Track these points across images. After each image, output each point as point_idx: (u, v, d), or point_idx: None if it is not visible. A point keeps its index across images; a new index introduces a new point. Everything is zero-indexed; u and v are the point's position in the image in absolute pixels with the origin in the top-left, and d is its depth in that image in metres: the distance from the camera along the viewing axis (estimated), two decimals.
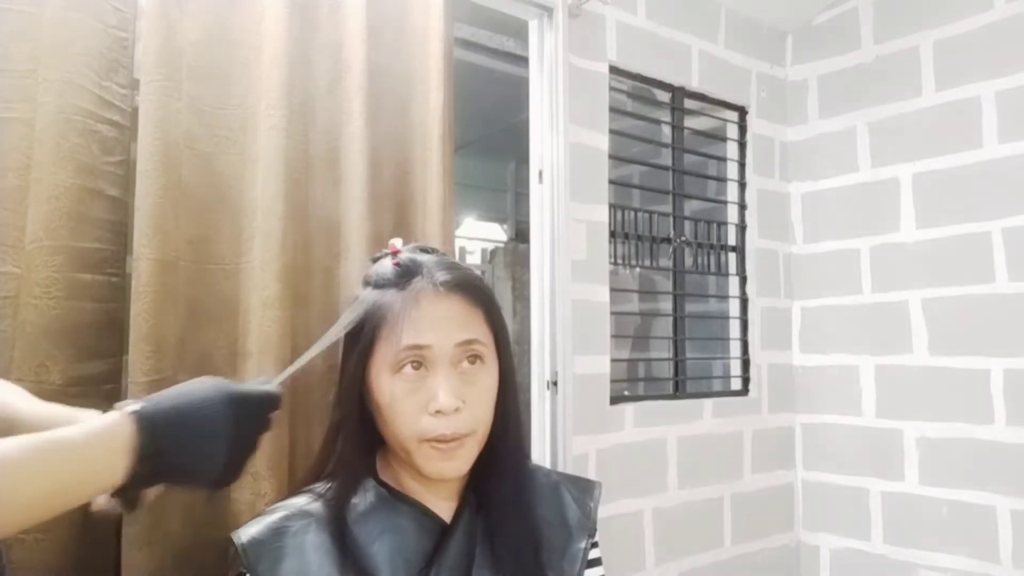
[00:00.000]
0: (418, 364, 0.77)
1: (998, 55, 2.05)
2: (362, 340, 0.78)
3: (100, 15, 1.13)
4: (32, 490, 0.57)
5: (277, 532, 0.76)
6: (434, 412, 0.76)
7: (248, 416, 0.69)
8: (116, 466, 0.61)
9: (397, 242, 0.85)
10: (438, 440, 0.76)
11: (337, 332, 0.80)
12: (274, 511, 0.79)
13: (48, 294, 1.04)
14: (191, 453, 0.65)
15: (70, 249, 1.07)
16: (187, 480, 0.67)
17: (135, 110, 1.16)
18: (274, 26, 1.24)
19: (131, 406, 0.64)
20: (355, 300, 0.83)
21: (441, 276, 0.79)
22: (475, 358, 0.79)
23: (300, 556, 0.75)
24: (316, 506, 0.79)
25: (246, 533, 0.76)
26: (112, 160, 1.14)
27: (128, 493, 0.65)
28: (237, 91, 1.24)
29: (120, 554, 1.07)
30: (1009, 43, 2.03)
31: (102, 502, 0.73)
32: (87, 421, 0.63)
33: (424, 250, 0.86)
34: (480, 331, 0.80)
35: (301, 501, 0.80)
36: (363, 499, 0.80)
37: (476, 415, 0.78)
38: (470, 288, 0.81)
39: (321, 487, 0.81)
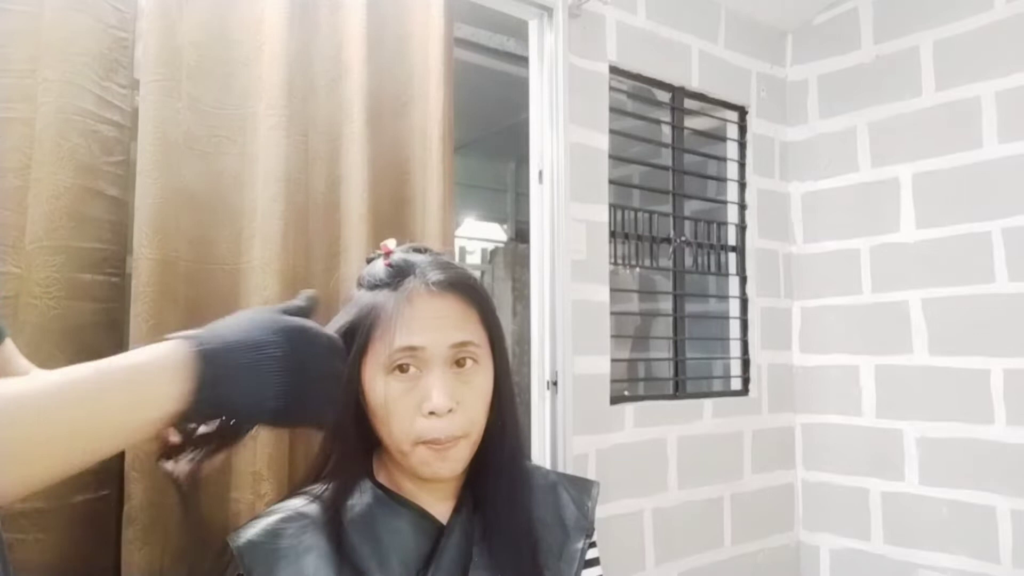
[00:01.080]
0: (412, 365, 0.77)
1: (998, 55, 2.05)
2: (356, 342, 0.78)
3: (100, 15, 1.13)
4: (98, 417, 0.56)
5: (273, 534, 0.76)
6: (428, 413, 0.75)
7: (304, 346, 0.66)
8: (171, 393, 0.58)
9: (390, 243, 0.85)
10: (432, 442, 0.76)
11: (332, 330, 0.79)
12: (271, 513, 0.79)
13: (48, 294, 1.05)
14: (249, 383, 0.62)
15: (70, 249, 1.07)
16: (244, 410, 0.63)
17: (135, 110, 1.16)
18: (274, 26, 1.25)
19: (182, 333, 0.62)
20: (349, 301, 0.83)
21: (434, 276, 0.79)
22: (470, 359, 0.79)
23: (296, 558, 0.75)
24: (313, 508, 0.79)
25: (242, 536, 0.76)
26: (112, 160, 1.14)
27: (186, 423, 0.62)
28: (237, 91, 1.24)
29: (120, 554, 1.07)
30: (1009, 43, 2.03)
31: (170, 467, 0.71)
32: (146, 347, 0.60)
33: (417, 250, 0.86)
34: (474, 332, 0.80)
35: (298, 503, 0.80)
36: (359, 501, 0.80)
37: (470, 416, 0.78)
38: (464, 288, 0.81)
39: (318, 489, 0.81)
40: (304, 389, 0.65)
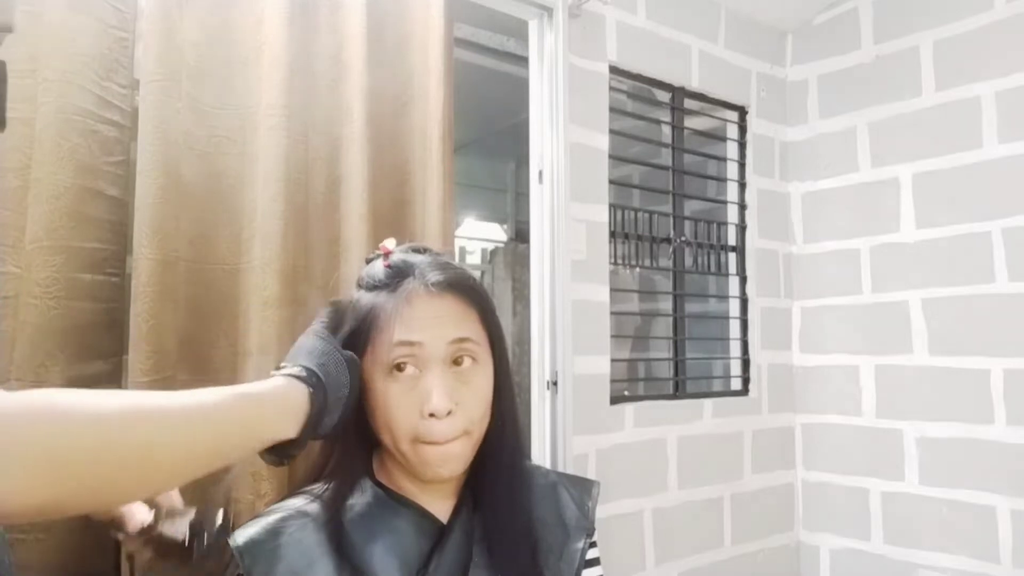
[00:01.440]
0: (411, 364, 0.77)
1: (998, 55, 2.05)
2: (356, 341, 0.78)
3: (100, 15, 1.13)
4: (224, 431, 0.63)
5: (273, 534, 0.76)
6: (427, 415, 0.75)
7: (357, 380, 0.76)
8: (291, 423, 0.68)
9: (389, 243, 0.85)
10: (432, 443, 0.76)
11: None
12: (271, 512, 0.79)
13: (48, 294, 1.05)
14: (335, 415, 0.72)
15: (70, 249, 1.07)
16: (325, 434, 0.73)
17: (135, 110, 1.17)
18: (274, 26, 1.25)
19: (296, 371, 0.70)
20: (349, 301, 0.83)
21: (433, 276, 0.79)
22: (469, 358, 0.79)
23: (296, 558, 0.75)
24: (313, 507, 0.79)
25: (242, 535, 0.76)
26: (112, 160, 1.14)
27: (289, 451, 0.70)
28: (237, 91, 1.24)
29: (120, 554, 1.07)
30: (1009, 43, 2.03)
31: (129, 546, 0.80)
32: (263, 381, 0.68)
33: (417, 250, 0.86)
34: (473, 330, 0.80)
35: (298, 502, 0.80)
36: (360, 500, 0.80)
37: (470, 416, 0.78)
38: (463, 288, 0.80)
39: (318, 488, 0.81)
40: (348, 415, 0.76)
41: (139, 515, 0.80)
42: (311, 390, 0.69)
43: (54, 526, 1.02)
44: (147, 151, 1.13)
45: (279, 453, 0.70)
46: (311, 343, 0.75)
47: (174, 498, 0.84)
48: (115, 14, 1.15)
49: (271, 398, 0.67)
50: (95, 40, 1.12)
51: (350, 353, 0.76)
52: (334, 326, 0.79)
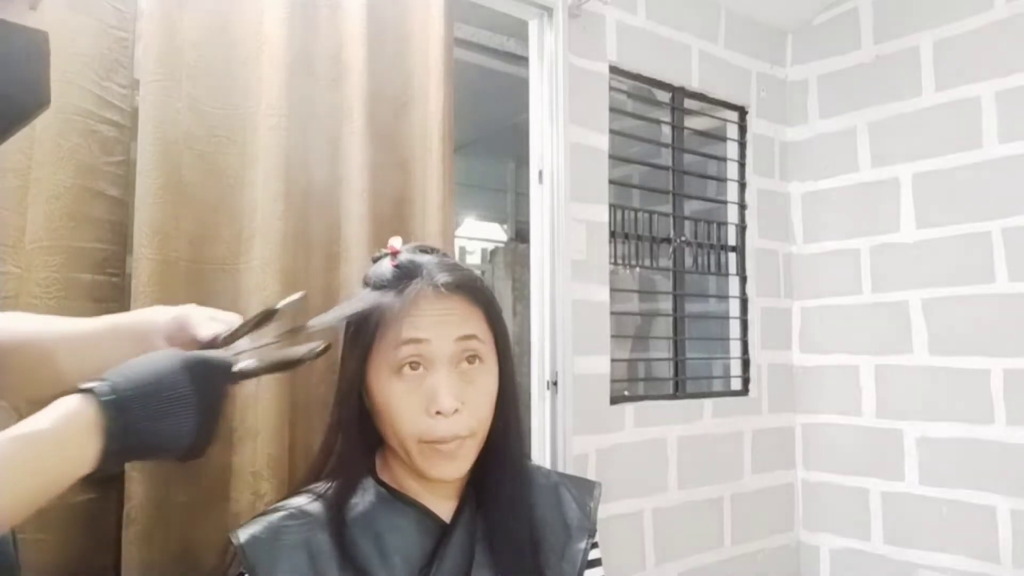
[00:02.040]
0: (417, 364, 0.77)
1: (998, 55, 2.05)
2: (361, 340, 0.78)
3: (100, 15, 1.13)
4: (11, 490, 0.56)
5: (276, 532, 0.76)
6: (434, 413, 0.76)
7: (208, 381, 0.67)
8: (85, 454, 0.59)
9: (396, 242, 0.85)
10: (438, 442, 0.76)
11: (331, 320, 0.79)
12: (273, 511, 0.79)
13: (48, 294, 1.05)
14: (158, 426, 0.62)
15: (70, 249, 1.07)
16: (158, 453, 0.64)
17: (135, 110, 1.16)
18: (274, 26, 1.25)
19: (89, 384, 0.61)
20: (356, 300, 0.83)
21: (441, 278, 0.79)
22: (475, 358, 0.79)
23: (299, 556, 0.75)
24: (315, 506, 0.79)
25: (245, 533, 0.76)
26: (112, 160, 1.14)
27: (100, 474, 0.62)
28: (237, 91, 1.24)
29: (120, 554, 1.07)
30: (1009, 43, 2.03)
31: None
32: (47, 410, 0.59)
33: (424, 250, 0.86)
34: (479, 329, 0.80)
35: (301, 501, 0.80)
36: (362, 499, 0.80)
37: (476, 416, 0.78)
38: (470, 289, 0.81)
39: (321, 487, 0.81)
40: (212, 423, 0.66)
41: (213, 328, 0.74)
42: (104, 407, 0.59)
43: (54, 526, 1.02)
44: (147, 151, 1.13)
45: (94, 478, 0.62)
46: (138, 358, 0.66)
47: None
48: (115, 14, 1.15)
49: (57, 433, 0.58)
50: (95, 40, 1.12)
51: (201, 354, 0.68)
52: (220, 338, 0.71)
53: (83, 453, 0.59)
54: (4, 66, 0.61)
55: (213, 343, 0.73)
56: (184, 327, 0.75)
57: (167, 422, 0.62)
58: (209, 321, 0.75)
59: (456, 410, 0.76)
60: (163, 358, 0.65)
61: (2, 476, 0.55)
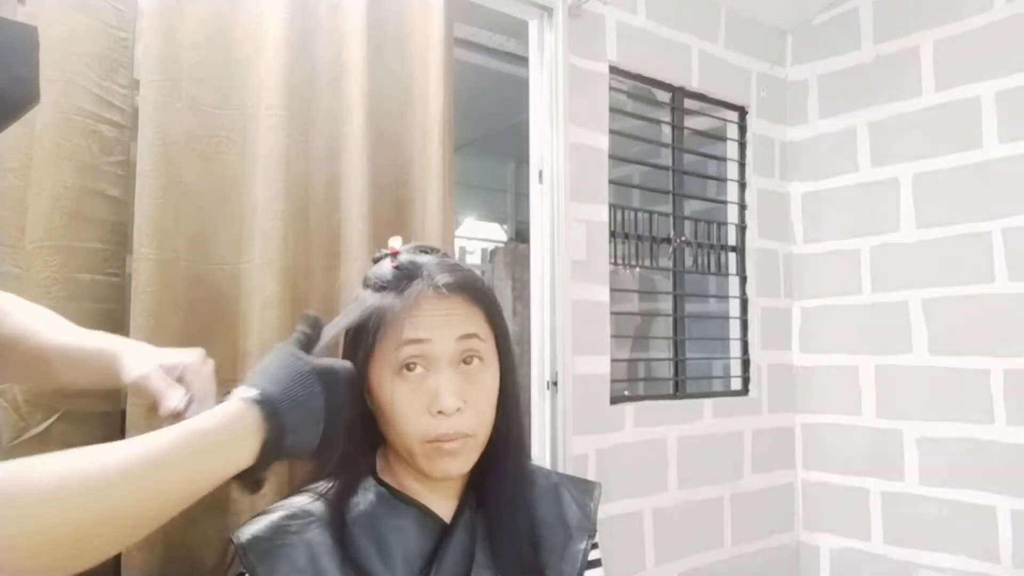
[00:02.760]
0: (419, 364, 0.77)
1: (998, 55, 2.05)
2: (363, 341, 0.78)
3: (100, 15, 1.13)
4: (177, 481, 0.61)
5: (277, 531, 0.76)
6: (436, 413, 0.76)
7: (335, 387, 0.72)
8: (246, 452, 0.65)
9: (396, 242, 0.85)
10: (440, 439, 0.76)
11: (334, 331, 0.79)
12: (274, 510, 0.79)
13: (48, 294, 1.05)
14: (304, 431, 0.69)
15: (70, 249, 1.07)
16: (300, 456, 0.71)
17: (135, 110, 1.16)
18: (274, 26, 1.25)
19: (250, 393, 0.67)
20: (355, 300, 0.83)
21: (442, 278, 0.79)
22: (476, 357, 0.79)
23: (300, 556, 0.75)
24: (316, 505, 0.79)
25: (246, 532, 0.76)
26: (112, 160, 1.14)
27: (253, 475, 0.68)
28: (237, 91, 1.24)
29: (120, 554, 1.07)
30: (1009, 43, 2.03)
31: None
32: (212, 412, 0.65)
33: (424, 250, 0.86)
34: (481, 329, 0.80)
35: (301, 500, 0.80)
36: (363, 499, 0.80)
37: (478, 415, 0.79)
38: (471, 289, 0.81)
39: (321, 487, 0.81)
40: (336, 428, 0.72)
41: (171, 400, 0.77)
42: (264, 412, 0.66)
43: None
44: (147, 151, 1.13)
45: (247, 479, 0.68)
46: (270, 360, 0.72)
47: (205, 383, 0.82)
48: (115, 14, 1.15)
49: (223, 431, 0.64)
50: (95, 40, 1.12)
51: (328, 363, 0.72)
52: (306, 339, 0.75)
53: (242, 454, 0.65)
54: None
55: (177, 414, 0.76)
56: (149, 389, 0.79)
57: (307, 424, 0.69)
58: (171, 389, 0.78)
59: (458, 409, 0.76)
60: (298, 367, 0.71)
61: (176, 466, 0.61)
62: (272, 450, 0.66)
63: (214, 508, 1.15)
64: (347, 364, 0.75)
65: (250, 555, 0.74)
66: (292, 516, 0.78)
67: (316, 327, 0.77)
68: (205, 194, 1.21)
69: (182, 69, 1.19)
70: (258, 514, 0.80)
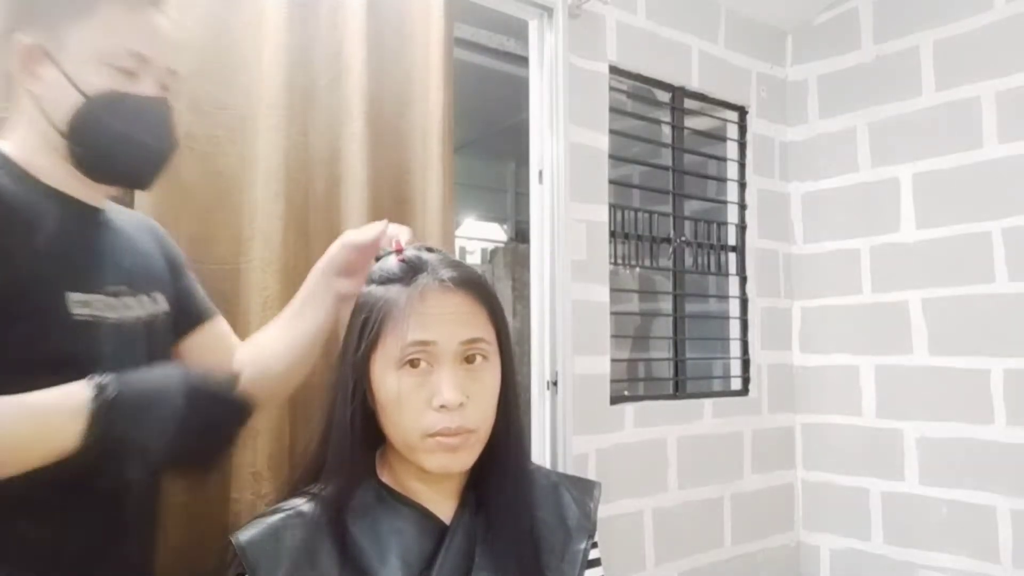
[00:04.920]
0: (423, 360, 0.77)
1: (998, 55, 2.05)
2: (366, 336, 0.78)
3: None
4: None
5: (277, 533, 0.76)
6: (438, 407, 0.76)
7: (210, 412, 0.74)
8: (69, 431, 0.66)
9: (402, 234, 0.87)
10: (442, 434, 0.76)
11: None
12: (273, 512, 0.79)
13: None
14: (146, 434, 0.69)
15: None
16: (145, 461, 0.71)
17: None
18: (274, 26, 1.24)
19: (97, 378, 0.68)
20: (360, 296, 0.83)
21: (447, 273, 0.80)
22: (479, 355, 0.79)
23: (299, 557, 0.75)
24: (315, 507, 0.79)
25: (245, 535, 0.76)
26: None
27: (84, 459, 0.67)
28: (237, 91, 1.24)
29: None
30: (1009, 43, 2.03)
31: None
32: (56, 388, 0.68)
33: (428, 249, 0.87)
34: (484, 329, 0.80)
35: (301, 502, 0.80)
36: (363, 500, 0.80)
37: (480, 411, 0.78)
38: (475, 286, 0.81)
39: (321, 488, 0.81)
40: (194, 443, 0.73)
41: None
42: (96, 399, 0.67)
43: None
44: None
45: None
46: (161, 369, 0.75)
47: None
48: None
49: (51, 408, 0.66)
50: None
51: (212, 381, 0.76)
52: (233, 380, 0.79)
53: (69, 430, 0.66)
54: (141, 128, 0.81)
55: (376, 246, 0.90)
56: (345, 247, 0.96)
57: (153, 426, 0.69)
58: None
59: (461, 404, 0.76)
60: (172, 373, 0.73)
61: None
62: (94, 438, 0.67)
63: (214, 509, 1.15)
64: (240, 400, 0.78)
65: (250, 557, 0.74)
66: (291, 518, 0.78)
67: (229, 383, 0.80)
68: (205, 194, 1.21)
69: (182, 69, 1.19)
70: (258, 515, 0.80)
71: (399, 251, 0.84)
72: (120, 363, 0.74)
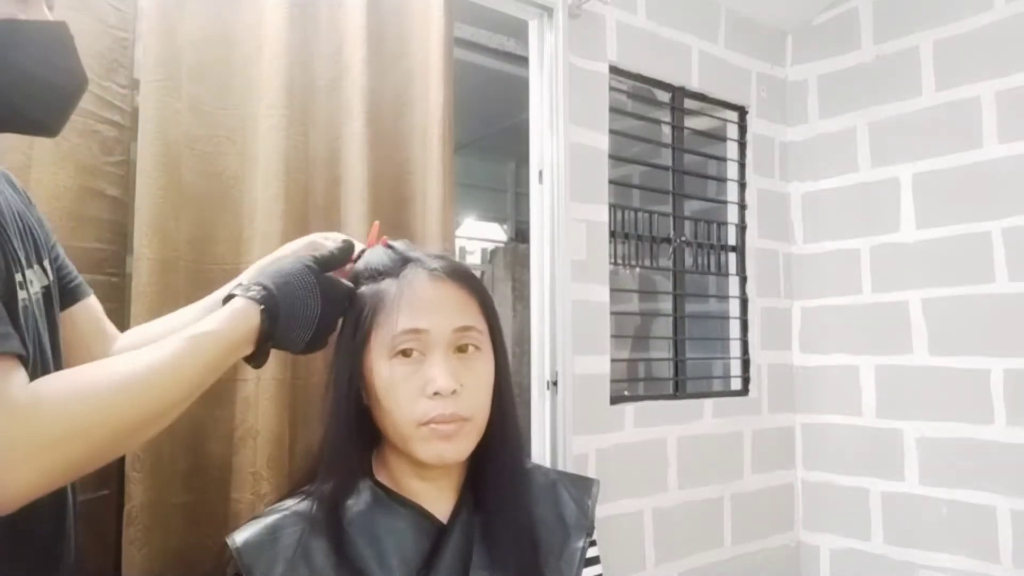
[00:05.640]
0: (415, 349, 0.77)
1: (998, 55, 2.05)
2: (359, 327, 0.79)
3: (100, 15, 1.13)
4: (191, 373, 0.70)
5: (272, 534, 0.76)
6: (432, 394, 0.76)
7: (333, 300, 0.80)
8: (246, 345, 0.75)
9: (384, 237, 0.90)
10: (436, 421, 0.76)
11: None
12: (269, 513, 0.79)
13: None
14: (296, 331, 0.78)
15: (70, 249, 1.06)
16: (290, 347, 0.80)
17: (135, 110, 1.17)
18: (274, 26, 1.25)
19: (251, 292, 0.75)
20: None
21: (435, 263, 0.81)
22: (472, 345, 0.79)
23: (295, 558, 0.74)
24: (312, 508, 0.79)
25: (241, 536, 0.75)
26: (112, 160, 1.14)
27: (252, 361, 0.78)
28: (237, 91, 1.24)
29: (120, 554, 1.07)
30: (1009, 43, 2.03)
31: None
32: (219, 313, 0.74)
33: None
34: (476, 319, 0.81)
35: (297, 502, 0.80)
36: (359, 500, 0.80)
37: (474, 399, 0.78)
38: (465, 277, 0.82)
39: (317, 488, 0.81)
40: (324, 332, 0.81)
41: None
42: (264, 312, 0.74)
43: None
44: (147, 151, 1.13)
45: (250, 360, 0.78)
46: (281, 264, 0.80)
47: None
48: (115, 14, 1.15)
49: (225, 330, 0.73)
50: (95, 40, 1.12)
51: (331, 279, 0.80)
52: (329, 256, 0.83)
53: (242, 348, 0.75)
54: (43, 59, 0.71)
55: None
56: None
57: (300, 325, 0.77)
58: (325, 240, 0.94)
59: (454, 391, 0.76)
60: (304, 272, 0.79)
61: (178, 369, 0.69)
62: (264, 348, 0.76)
63: (213, 510, 1.15)
64: (349, 286, 0.82)
65: (245, 559, 0.74)
66: (287, 518, 0.78)
67: (345, 251, 0.85)
68: (205, 194, 1.21)
69: (182, 69, 1.19)
70: (254, 517, 0.80)
71: (385, 244, 0.85)
72: (32, 339, 0.72)
